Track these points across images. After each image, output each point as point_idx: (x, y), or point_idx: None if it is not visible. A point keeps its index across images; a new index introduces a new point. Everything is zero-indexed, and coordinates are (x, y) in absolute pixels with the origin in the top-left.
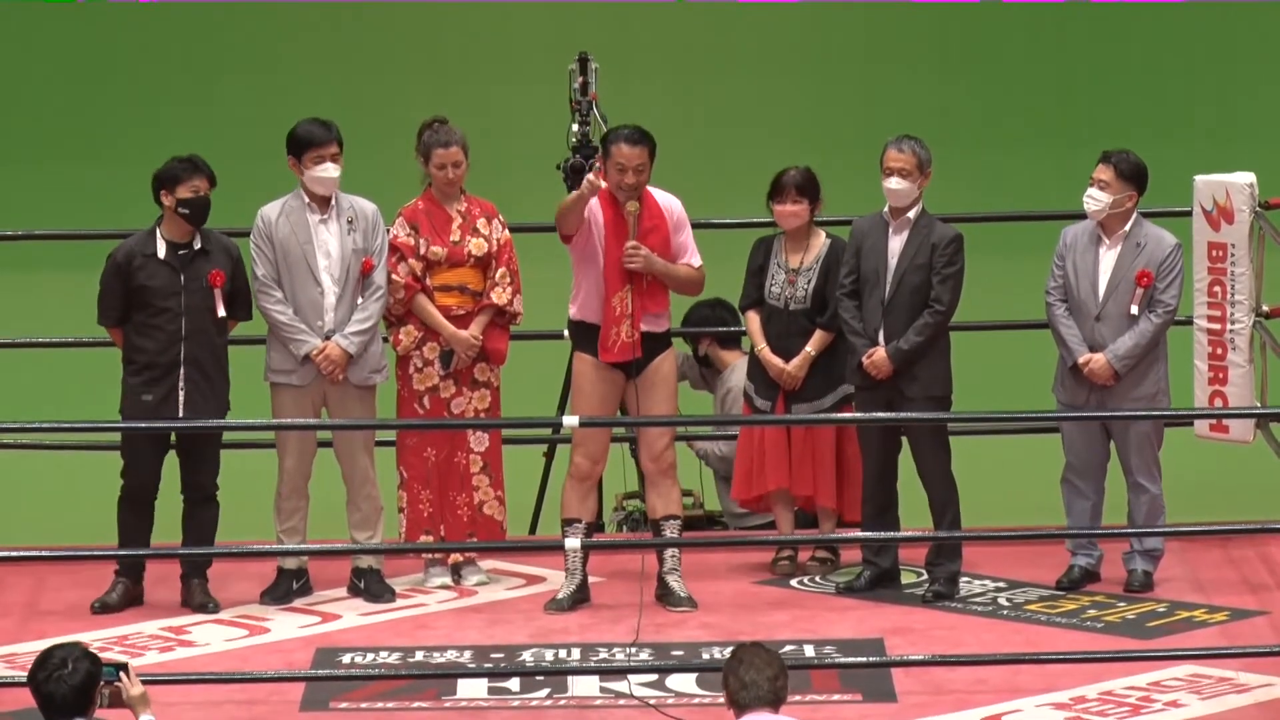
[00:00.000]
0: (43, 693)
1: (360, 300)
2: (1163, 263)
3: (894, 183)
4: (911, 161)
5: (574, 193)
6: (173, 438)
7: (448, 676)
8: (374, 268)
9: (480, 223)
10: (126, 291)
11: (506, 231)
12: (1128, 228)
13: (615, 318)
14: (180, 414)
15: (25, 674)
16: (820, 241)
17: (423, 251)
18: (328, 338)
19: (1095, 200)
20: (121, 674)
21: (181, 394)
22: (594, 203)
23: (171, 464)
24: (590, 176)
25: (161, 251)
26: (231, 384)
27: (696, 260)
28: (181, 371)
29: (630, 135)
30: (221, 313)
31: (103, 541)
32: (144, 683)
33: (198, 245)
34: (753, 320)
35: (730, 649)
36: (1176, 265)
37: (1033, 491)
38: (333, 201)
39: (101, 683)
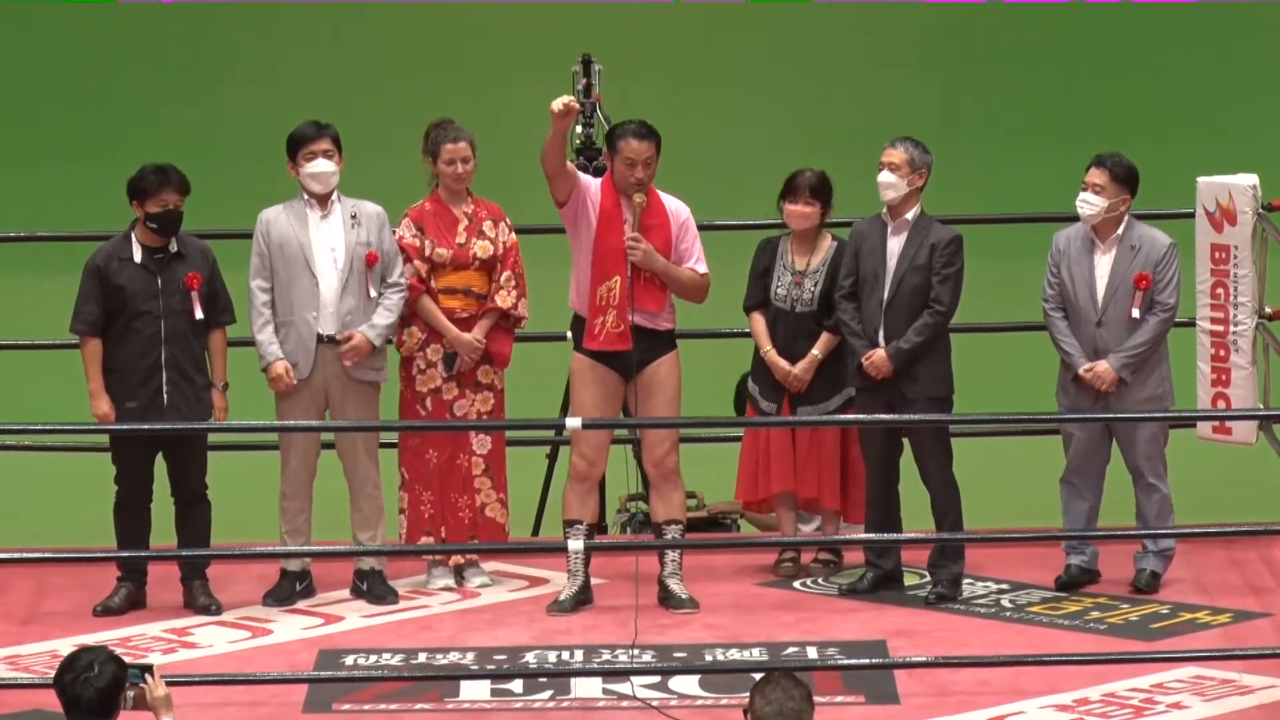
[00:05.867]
0: (68, 695)
1: (381, 295)
2: (1158, 264)
3: (883, 176)
4: (902, 157)
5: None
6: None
7: (451, 678)
8: (378, 261)
9: (486, 225)
10: (104, 295)
11: (514, 235)
12: (1120, 231)
13: (600, 307)
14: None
15: (27, 675)
16: (827, 244)
17: (427, 253)
18: (323, 336)
19: (1090, 204)
20: (147, 675)
21: (165, 398)
22: (593, 191)
23: (158, 468)
24: (560, 102)
25: (137, 255)
26: (232, 384)
27: (702, 267)
28: (164, 375)
29: (638, 130)
30: (199, 315)
31: (104, 544)
32: None
33: (173, 249)
34: (757, 322)
35: (732, 650)
36: (1172, 265)
37: (1034, 493)
38: (333, 199)
39: (127, 684)
